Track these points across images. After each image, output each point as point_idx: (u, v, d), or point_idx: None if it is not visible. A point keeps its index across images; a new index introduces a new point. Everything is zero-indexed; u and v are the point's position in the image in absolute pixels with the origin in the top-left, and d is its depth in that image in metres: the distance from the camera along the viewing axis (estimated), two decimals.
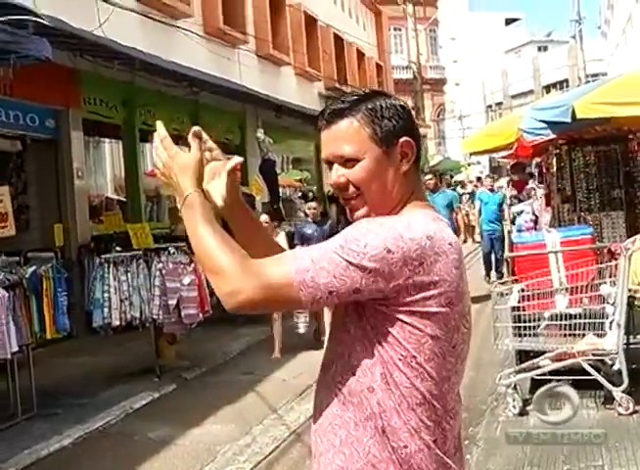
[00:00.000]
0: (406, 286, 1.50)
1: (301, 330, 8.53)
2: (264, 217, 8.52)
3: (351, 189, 1.66)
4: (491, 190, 13.39)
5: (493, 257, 12.71)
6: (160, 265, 7.62)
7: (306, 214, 9.59)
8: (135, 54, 9.84)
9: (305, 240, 8.33)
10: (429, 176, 12.28)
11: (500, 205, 12.60)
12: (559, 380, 5.44)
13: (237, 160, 1.77)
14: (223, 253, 1.53)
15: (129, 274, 7.58)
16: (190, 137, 1.72)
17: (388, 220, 1.57)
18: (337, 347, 1.64)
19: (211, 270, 1.55)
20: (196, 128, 1.73)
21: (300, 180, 18.14)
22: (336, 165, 1.67)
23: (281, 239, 8.23)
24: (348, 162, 1.64)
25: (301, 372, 7.45)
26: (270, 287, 1.49)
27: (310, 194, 10.37)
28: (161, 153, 1.69)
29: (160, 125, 1.72)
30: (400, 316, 1.53)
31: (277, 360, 8.23)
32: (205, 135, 1.76)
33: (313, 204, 8.95)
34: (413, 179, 1.71)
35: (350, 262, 1.47)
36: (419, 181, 1.77)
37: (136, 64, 10.16)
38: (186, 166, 1.66)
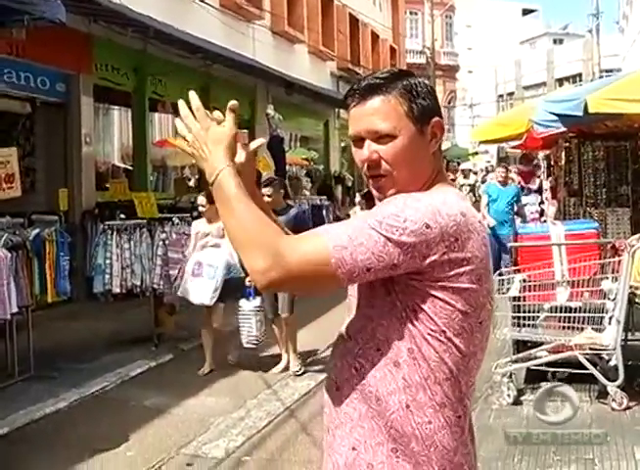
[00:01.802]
0: (441, 262, 1.49)
1: (249, 345, 6.86)
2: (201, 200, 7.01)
3: (384, 166, 1.62)
4: (503, 183, 11.01)
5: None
6: (164, 235, 7.65)
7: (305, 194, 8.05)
8: (149, 22, 9.80)
9: None
10: None
11: (513, 201, 10.79)
12: (555, 372, 5.49)
13: (260, 141, 1.72)
14: (257, 228, 1.51)
15: (132, 242, 7.60)
16: (227, 111, 1.65)
17: (424, 196, 1.56)
18: (357, 322, 1.64)
19: (244, 246, 1.52)
20: (233, 102, 1.65)
21: (307, 159, 18.08)
22: (368, 142, 1.63)
23: None
24: (382, 138, 1.61)
25: (298, 350, 7.47)
26: (307, 264, 1.47)
27: (266, 177, 7.80)
28: (193, 124, 1.63)
29: (193, 95, 1.66)
30: (432, 291, 1.52)
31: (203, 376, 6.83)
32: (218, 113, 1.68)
33: (267, 190, 6.65)
34: (438, 159, 1.71)
35: (389, 239, 1.46)
36: (442, 162, 1.76)
37: (150, 32, 10.11)
38: (219, 140, 1.61)
